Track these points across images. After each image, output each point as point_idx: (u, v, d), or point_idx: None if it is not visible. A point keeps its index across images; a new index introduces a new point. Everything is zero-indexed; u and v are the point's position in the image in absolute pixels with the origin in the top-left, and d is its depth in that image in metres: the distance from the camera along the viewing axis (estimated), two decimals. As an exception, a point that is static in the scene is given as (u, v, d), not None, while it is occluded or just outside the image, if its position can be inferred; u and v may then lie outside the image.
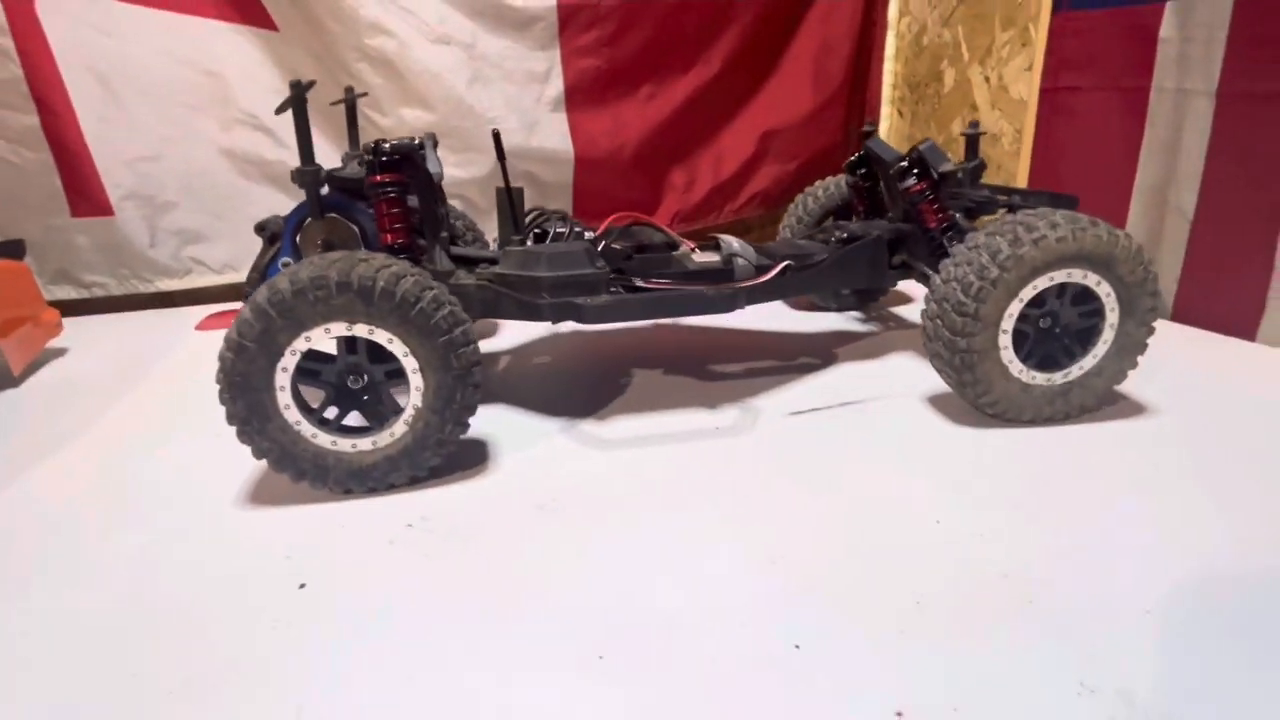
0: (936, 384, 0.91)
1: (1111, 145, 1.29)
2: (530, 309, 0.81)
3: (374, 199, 0.78)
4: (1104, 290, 0.78)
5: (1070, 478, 0.72)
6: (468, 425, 0.73)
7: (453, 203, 1.53)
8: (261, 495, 0.73)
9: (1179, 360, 0.99)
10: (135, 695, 0.49)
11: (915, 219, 0.96)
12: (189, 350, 1.21)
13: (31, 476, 0.79)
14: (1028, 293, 0.76)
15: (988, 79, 1.66)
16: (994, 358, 0.78)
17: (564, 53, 1.53)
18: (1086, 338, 0.80)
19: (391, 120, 1.47)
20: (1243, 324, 1.08)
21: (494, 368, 1.08)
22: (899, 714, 0.45)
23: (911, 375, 0.97)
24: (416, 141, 0.87)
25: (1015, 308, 0.77)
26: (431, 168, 0.89)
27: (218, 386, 0.65)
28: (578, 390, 0.98)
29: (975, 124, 0.99)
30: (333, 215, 0.83)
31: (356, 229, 0.83)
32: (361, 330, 0.66)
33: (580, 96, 1.58)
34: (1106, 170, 1.30)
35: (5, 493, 0.76)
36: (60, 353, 1.19)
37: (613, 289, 0.84)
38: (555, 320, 0.81)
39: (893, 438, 0.82)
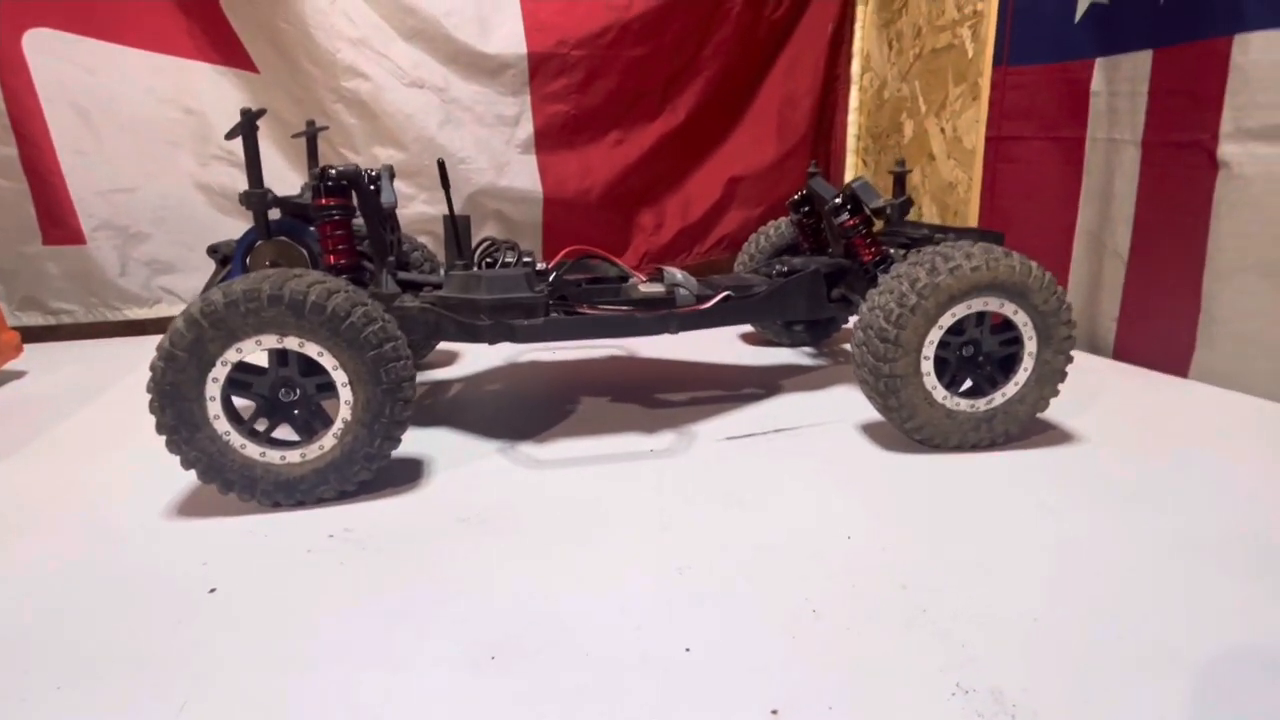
0: (870, 413, 0.93)
1: (1053, 191, 1.35)
2: (470, 330, 0.84)
3: (318, 221, 0.81)
4: (1021, 319, 0.81)
5: (987, 500, 0.73)
6: (398, 441, 0.74)
7: (420, 238, 1.57)
8: (189, 507, 0.73)
9: (1111, 395, 1.02)
10: (22, 687, 0.49)
11: (852, 254, 0.99)
12: (147, 375, 1.22)
13: (-34, 488, 0.80)
14: (946, 320, 0.79)
15: (943, 130, 1.73)
16: (917, 383, 0.81)
17: (534, 98, 1.59)
18: (1008, 366, 0.83)
19: (364, 159, 1.52)
20: (1176, 361, 1.12)
21: (445, 394, 1.10)
22: (774, 712, 0.45)
23: (850, 405, 0.99)
24: (374, 173, 0.91)
25: (935, 334, 0.80)
26: (385, 198, 0.92)
27: (149, 393, 0.67)
28: (523, 416, 1.00)
29: (901, 163, 1.04)
30: (282, 238, 0.86)
31: (305, 252, 0.86)
32: (292, 343, 0.68)
33: (549, 140, 1.64)
34: (1050, 214, 1.36)
35: (-63, 503, 0.76)
36: (18, 375, 1.20)
37: (553, 313, 0.87)
38: (492, 341, 0.83)
39: (820, 461, 0.83)
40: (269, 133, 1.52)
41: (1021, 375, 0.83)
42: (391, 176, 0.99)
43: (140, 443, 0.88)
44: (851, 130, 2.05)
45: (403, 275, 0.91)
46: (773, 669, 0.49)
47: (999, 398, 0.83)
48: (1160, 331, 1.14)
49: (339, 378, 0.70)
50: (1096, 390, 1.02)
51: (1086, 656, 0.50)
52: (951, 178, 1.71)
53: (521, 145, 1.62)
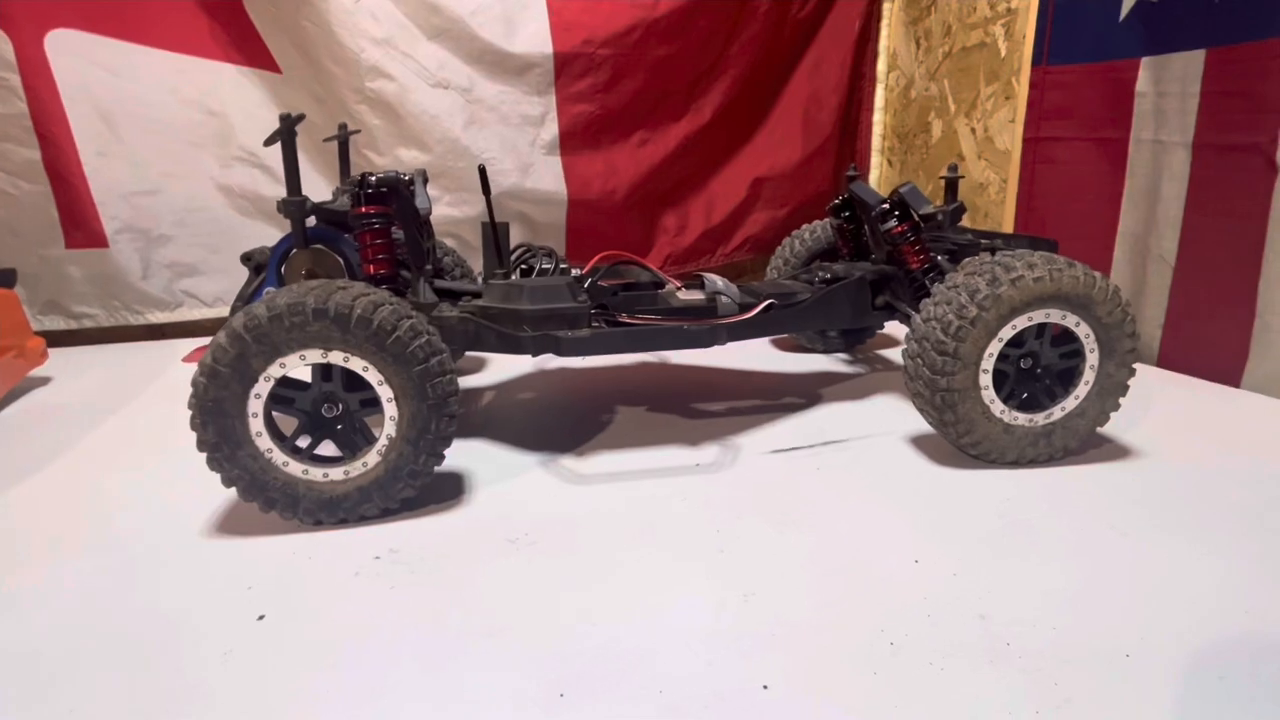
0: (920, 425, 0.90)
1: (1094, 193, 1.31)
2: (511, 342, 0.81)
3: (358, 230, 0.79)
4: (1083, 331, 0.78)
5: (1051, 519, 0.70)
6: (442, 457, 0.72)
7: (446, 241, 1.55)
8: (229, 525, 0.71)
9: (1163, 405, 0.99)
10: (75, 727, 0.47)
11: (897, 260, 0.96)
12: (173, 381, 1.20)
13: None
14: (1007, 332, 0.77)
15: (974, 130, 1.70)
16: (974, 397, 0.78)
17: (559, 98, 1.57)
18: (1067, 379, 0.80)
19: (388, 160, 1.49)
20: (1227, 371, 1.09)
21: (478, 402, 1.08)
22: (867, 757, 0.43)
23: (895, 416, 0.97)
24: (406, 177, 0.89)
25: (995, 347, 0.77)
26: (420, 204, 0.90)
27: (189, 411, 0.65)
28: (560, 426, 0.98)
29: (954, 167, 1.01)
30: (318, 246, 0.84)
31: (341, 260, 0.83)
32: (337, 358, 0.66)
33: (574, 141, 1.61)
34: (1090, 217, 1.33)
35: (-30, 519, 0.74)
36: (43, 381, 1.18)
37: (594, 323, 0.84)
38: (535, 353, 0.81)
39: (873, 476, 0.81)
40: (291, 133, 1.50)
41: (1082, 389, 0.80)
42: (425, 181, 0.97)
43: (174, 454, 0.86)
44: (877, 130, 2.02)
45: (439, 284, 0.89)
46: (856, 709, 0.47)
47: (1058, 412, 0.80)
48: (1210, 339, 1.11)
49: (384, 393, 0.68)
50: (1147, 400, 0.99)
51: (1186, 696, 0.47)
52: (983, 179, 1.68)
53: (546, 146, 1.59)
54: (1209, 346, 1.11)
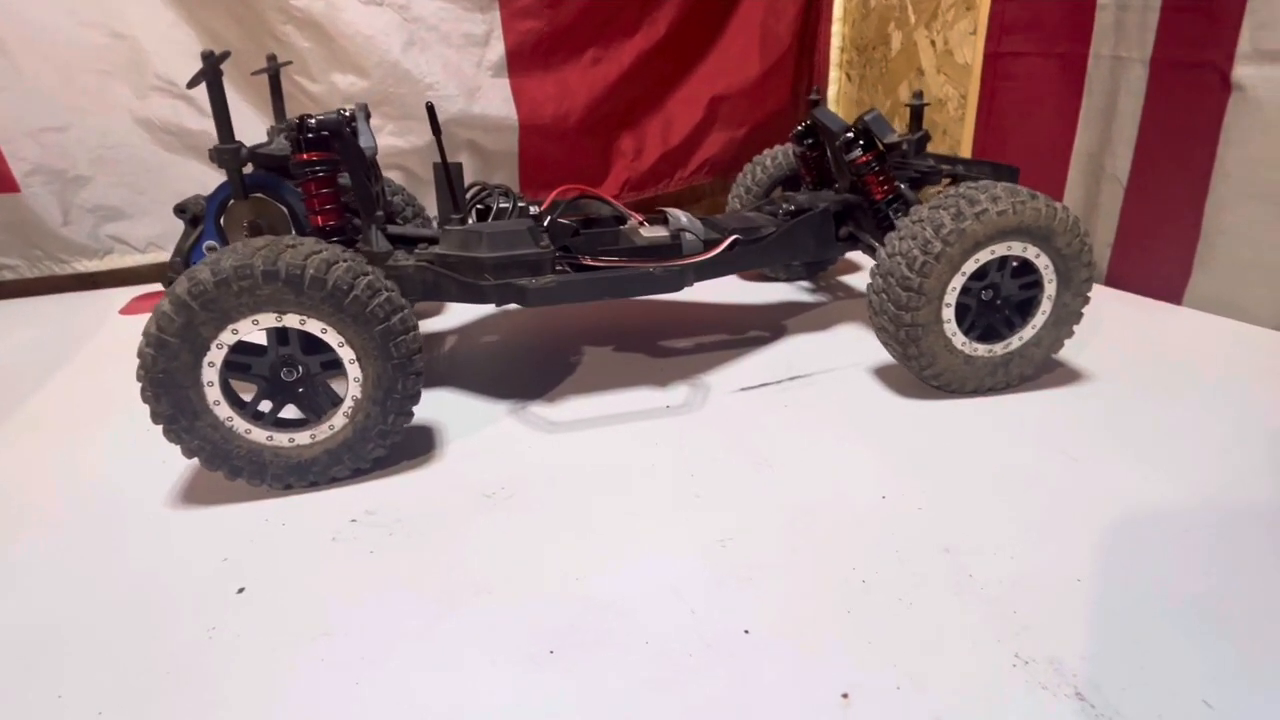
0: (882, 356, 0.92)
1: (1052, 111, 1.31)
2: (473, 291, 0.79)
3: (301, 179, 0.74)
4: (1042, 262, 0.79)
5: (1012, 451, 0.74)
6: (411, 414, 0.71)
7: (391, 175, 1.47)
8: (195, 495, 0.70)
9: (1111, 326, 1.02)
10: (62, 718, 0.47)
11: (861, 190, 0.95)
12: (113, 336, 1.14)
13: (-59, 481, 0.74)
14: (969, 266, 0.77)
15: (933, 43, 1.65)
16: (937, 331, 0.79)
17: (504, 14, 1.47)
18: (1025, 309, 0.82)
19: (322, 87, 1.39)
20: (1171, 289, 1.12)
21: (439, 349, 1.05)
22: (845, 695, 0.46)
23: (858, 347, 0.98)
24: (347, 113, 0.83)
25: (958, 281, 0.78)
26: (364, 142, 0.84)
27: (139, 384, 0.62)
28: (525, 370, 0.97)
29: (919, 94, 0.99)
30: (259, 195, 0.79)
31: (285, 209, 0.78)
32: (293, 321, 0.63)
33: (523, 61, 1.52)
34: (1047, 136, 1.32)
35: (-88, 500, 0.71)
36: (-30, 343, 1.11)
37: (558, 268, 0.82)
38: (499, 303, 0.79)
39: (839, 411, 0.83)
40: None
41: (1039, 318, 0.82)
42: (367, 117, 0.91)
43: (126, 418, 0.83)
44: (835, 42, 1.95)
45: (392, 229, 0.85)
46: (835, 649, 0.50)
47: (1016, 341, 0.82)
48: (1156, 257, 1.14)
49: (345, 354, 0.66)
50: (1096, 321, 1.03)
51: (1136, 619, 0.51)
52: (941, 94, 1.66)
53: (493, 68, 1.50)
54: (1155, 265, 1.15)
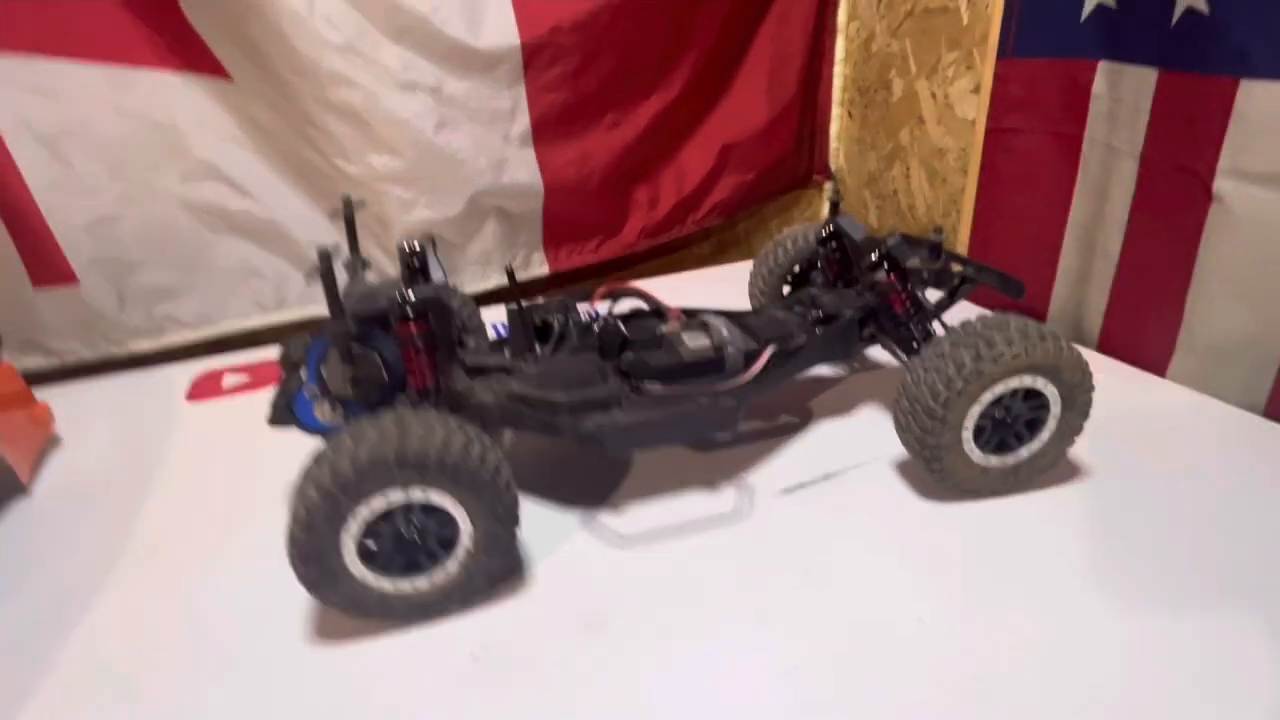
0: (900, 448, 1.02)
1: (1049, 183, 1.41)
2: (552, 428, 0.89)
3: (403, 348, 0.83)
4: (1050, 390, 0.90)
5: (1026, 555, 0.86)
6: (513, 555, 0.81)
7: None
8: (326, 628, 0.80)
9: (1105, 400, 1.08)
10: None
11: (883, 303, 1.06)
12: (190, 430, 1.23)
13: (84, 614, 0.84)
14: (987, 398, 0.88)
15: (934, 95, 1.74)
16: (958, 450, 0.91)
17: (529, 90, 1.53)
18: (1034, 426, 0.94)
19: (359, 168, 1.46)
20: (1156, 362, 1.25)
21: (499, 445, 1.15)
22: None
23: (879, 437, 1.08)
24: (418, 247, 0.93)
25: (976, 410, 0.89)
26: (435, 276, 0.93)
27: (289, 555, 0.72)
28: (581, 469, 1.07)
29: (939, 230, 1.08)
30: (358, 349, 0.87)
31: (379, 358, 0.87)
32: (416, 494, 0.73)
33: (546, 130, 1.59)
34: (1044, 204, 1.43)
35: (58, 635, 0.81)
36: (55, 443, 1.19)
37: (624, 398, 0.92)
38: (580, 443, 0.88)
39: (872, 518, 0.94)
40: (250, 142, 1.44)
41: (1046, 434, 0.93)
42: (435, 248, 0.99)
43: (237, 540, 0.93)
44: (837, 82, 2.03)
45: (468, 358, 0.94)
46: (896, 784, 0.62)
47: (1025, 453, 0.94)
48: (1144, 333, 1.26)
49: (458, 514, 0.76)
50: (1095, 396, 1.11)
51: (1130, 743, 0.64)
52: (941, 144, 1.75)
53: (519, 139, 1.57)
54: (1142, 339, 1.27)
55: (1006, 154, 1.47)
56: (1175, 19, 1.10)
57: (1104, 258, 1.33)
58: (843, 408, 1.20)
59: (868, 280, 1.08)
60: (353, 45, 1.35)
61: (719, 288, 1.37)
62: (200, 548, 0.94)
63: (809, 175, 2.07)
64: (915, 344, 1.04)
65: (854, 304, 1.09)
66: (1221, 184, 1.08)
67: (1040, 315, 1.49)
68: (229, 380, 1.39)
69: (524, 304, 0.95)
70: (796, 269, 1.32)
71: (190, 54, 1.34)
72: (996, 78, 1.43)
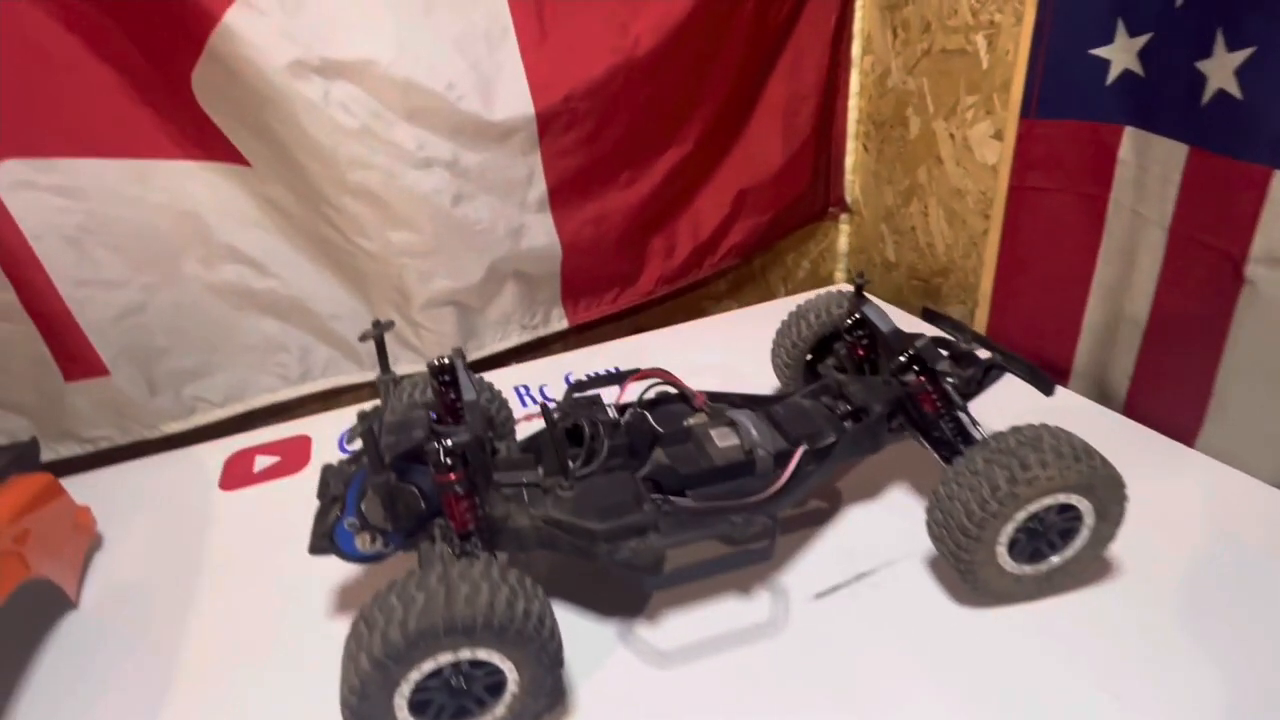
0: (930, 545, 1.03)
1: (1074, 241, 1.40)
2: (588, 554, 0.90)
3: (443, 496, 0.84)
4: (1084, 505, 0.91)
5: (1067, 663, 0.87)
6: (559, 693, 0.83)
7: (446, 310, 1.55)
8: (379, 770, 0.82)
9: (1135, 477, 1.10)
10: None
11: (913, 401, 1.06)
12: (228, 523, 1.25)
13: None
14: (1021, 516, 0.89)
15: (952, 136, 1.72)
16: (992, 563, 0.92)
17: (545, 156, 1.52)
18: (1067, 535, 0.94)
19: (378, 244, 1.46)
20: (1184, 432, 1.24)
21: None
22: None
23: (909, 529, 1.09)
24: (447, 362, 0.94)
25: (1010, 527, 0.89)
26: (465, 396, 0.94)
27: (344, 717, 0.74)
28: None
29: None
30: (395, 484, 0.89)
31: (416, 490, 0.88)
32: (465, 655, 0.75)
33: (563, 195, 1.58)
34: (1069, 262, 1.42)
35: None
36: (96, 545, 1.21)
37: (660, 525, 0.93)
38: (620, 577, 0.89)
39: (904, 625, 0.95)
40: (271, 223, 1.45)
41: (1079, 542, 0.94)
42: (464, 363, 1.00)
43: (280, 651, 0.95)
44: (852, 115, 2.01)
45: (504, 480, 0.94)
46: None
47: (1058, 560, 0.95)
48: (1172, 402, 1.26)
49: (505, 666, 0.78)
50: (1117, 460, 0.96)
51: None
52: (960, 185, 1.73)
53: (536, 205, 1.57)
54: (1170, 407, 1.26)
55: (1030, 212, 1.45)
56: (1206, 99, 1.08)
57: (1130, 323, 1.32)
58: (871, 489, 1.20)
59: (894, 367, 1.08)
60: (368, 128, 1.34)
61: (739, 336, 1.43)
62: (247, 665, 0.97)
63: (824, 208, 2.05)
64: (946, 443, 1.04)
65: (883, 397, 1.09)
66: (1254, 269, 1.07)
67: (1064, 371, 1.49)
68: (260, 463, 1.40)
69: (553, 414, 0.96)
70: (837, 378, 1.29)
71: (207, 143, 1.34)
72: (1019, 137, 1.41)
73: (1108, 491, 0.90)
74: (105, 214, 1.31)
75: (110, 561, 1.19)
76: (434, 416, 0.96)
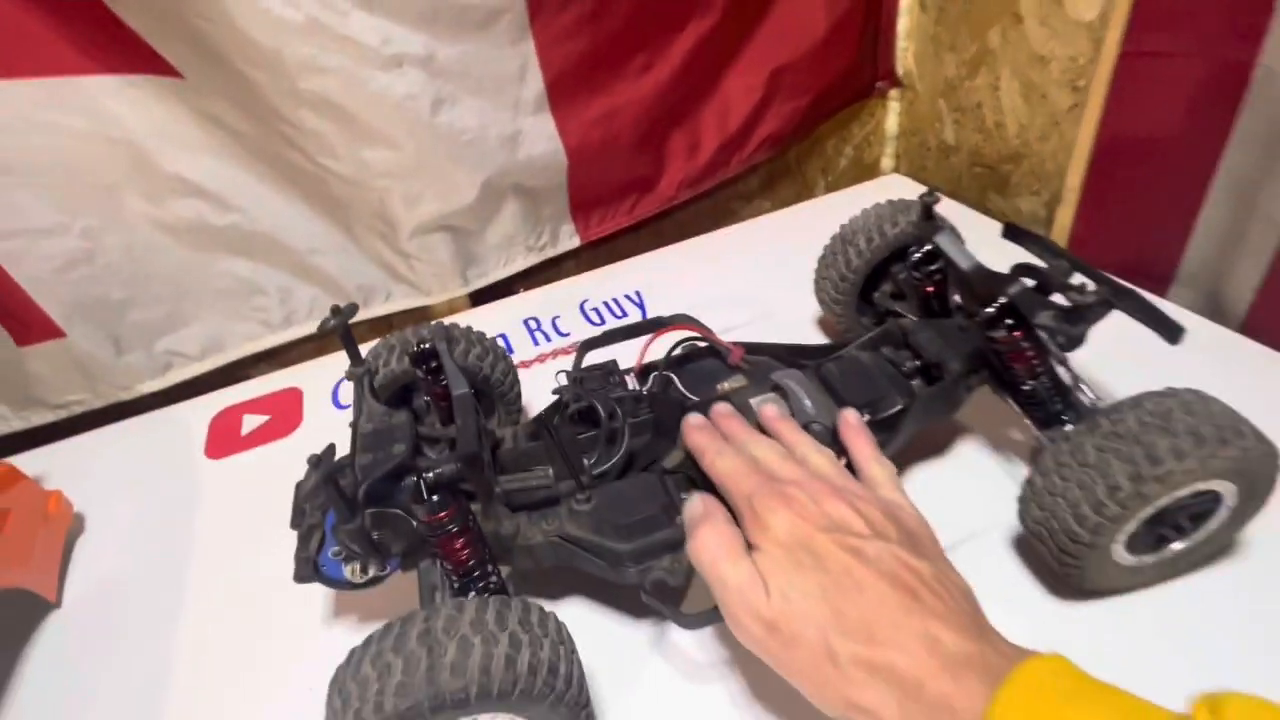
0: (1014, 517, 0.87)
1: (1198, 119, 1.12)
2: (617, 578, 0.75)
3: (434, 538, 0.68)
4: (1227, 489, 0.72)
5: (1184, 655, 0.72)
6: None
7: (440, 235, 1.35)
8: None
9: (1261, 406, 0.90)
10: None
11: (1002, 359, 0.85)
12: (217, 498, 1.13)
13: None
14: (1147, 512, 0.71)
15: (1038, -14, 1.39)
16: (1106, 561, 0.75)
17: (539, 43, 1.25)
18: (1200, 519, 0.76)
19: (350, 166, 1.23)
20: (1324, 362, 1.03)
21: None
22: None
23: (990, 491, 0.93)
24: (426, 345, 0.78)
25: (1131, 526, 0.72)
26: (455, 389, 0.76)
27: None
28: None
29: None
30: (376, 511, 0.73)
31: (402, 513, 0.73)
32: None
33: (565, 89, 1.32)
34: (1185, 145, 1.15)
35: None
36: (77, 529, 1.11)
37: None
38: (660, 605, 0.74)
39: (995, 604, 0.81)
40: (220, 146, 1.23)
41: (1214, 524, 0.76)
42: (450, 347, 0.82)
43: (279, 640, 0.85)
44: (907, -34, 1.65)
45: (512, 492, 0.78)
46: None
47: (1185, 545, 0.78)
48: (1311, 322, 1.04)
49: (537, 724, 0.65)
50: (1232, 389, 0.77)
51: None
52: (1044, 50, 1.43)
53: (533, 105, 1.31)
54: (1308, 329, 1.04)
55: (1144, 84, 1.17)
56: None
57: (1265, 222, 1.08)
58: (937, 448, 1.03)
59: (982, 319, 0.87)
60: (316, 21, 1.08)
61: (776, 251, 1.27)
62: (246, 665, 0.87)
63: (871, 83, 1.74)
64: (1040, 405, 0.85)
65: (960, 349, 0.89)
66: None
67: (1165, 276, 1.26)
68: (249, 423, 1.27)
69: (565, 400, 0.79)
70: (894, 322, 1.06)
71: (127, 52, 1.09)
72: (1139, -13, 1.10)
73: (1261, 470, 0.71)
74: (23, 144, 1.10)
75: (92, 549, 1.08)
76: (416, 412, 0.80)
